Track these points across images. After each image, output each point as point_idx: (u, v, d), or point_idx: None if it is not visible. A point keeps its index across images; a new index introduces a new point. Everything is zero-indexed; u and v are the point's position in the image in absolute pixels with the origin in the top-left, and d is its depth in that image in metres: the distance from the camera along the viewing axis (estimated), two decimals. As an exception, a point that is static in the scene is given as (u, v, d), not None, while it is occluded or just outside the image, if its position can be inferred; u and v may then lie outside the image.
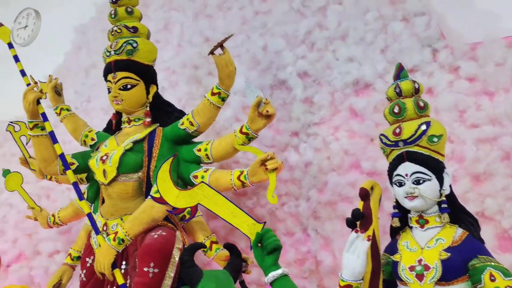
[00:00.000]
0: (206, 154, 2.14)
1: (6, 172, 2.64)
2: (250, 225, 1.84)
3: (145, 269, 1.89)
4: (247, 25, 2.73)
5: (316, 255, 2.26)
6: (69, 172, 2.16)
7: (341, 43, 2.41)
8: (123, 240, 1.95)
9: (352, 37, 2.37)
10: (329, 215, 2.29)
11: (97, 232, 2.07)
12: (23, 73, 2.30)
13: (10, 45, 2.34)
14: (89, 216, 2.10)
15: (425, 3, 2.27)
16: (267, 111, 1.94)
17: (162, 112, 2.33)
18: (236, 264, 1.99)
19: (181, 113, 2.33)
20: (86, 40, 3.54)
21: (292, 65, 2.51)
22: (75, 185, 2.15)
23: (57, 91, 2.57)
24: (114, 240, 1.95)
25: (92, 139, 2.45)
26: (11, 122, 2.63)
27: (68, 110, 2.56)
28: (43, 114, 2.23)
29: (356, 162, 2.27)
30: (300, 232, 2.35)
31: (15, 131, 2.63)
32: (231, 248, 2.01)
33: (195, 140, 2.25)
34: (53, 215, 2.59)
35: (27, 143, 2.63)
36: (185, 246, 2.01)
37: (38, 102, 2.21)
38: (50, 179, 2.63)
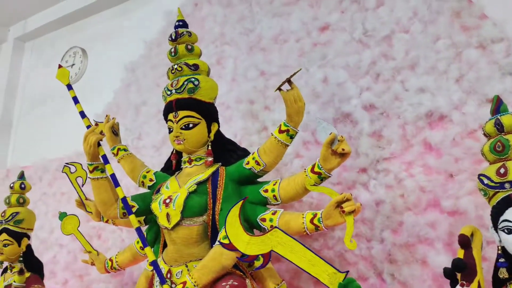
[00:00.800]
0: (274, 195, 2.02)
1: (63, 216, 2.57)
2: (330, 274, 1.69)
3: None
4: (305, 57, 2.64)
5: (394, 304, 2.08)
6: (132, 217, 2.06)
7: (410, 73, 2.27)
8: (191, 294, 1.83)
9: (423, 66, 2.23)
10: (406, 259, 2.11)
11: (163, 281, 1.95)
12: (82, 114, 2.25)
13: (69, 87, 2.30)
14: (154, 264, 1.98)
15: (501, 28, 2.12)
16: (343, 149, 1.81)
17: (224, 150, 2.23)
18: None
19: (245, 152, 2.23)
20: (136, 78, 3.52)
21: (357, 97, 2.38)
22: (139, 230, 2.05)
23: (115, 131, 2.51)
24: (182, 296, 1.83)
25: (151, 180, 2.37)
26: (67, 164, 2.58)
27: (125, 150, 2.49)
28: (104, 157, 2.16)
29: (435, 201, 2.09)
30: (374, 277, 2.18)
31: (71, 173, 2.57)
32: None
33: (260, 179, 2.14)
34: (111, 260, 2.50)
35: (83, 185, 2.57)
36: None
37: (98, 144, 2.15)
38: (106, 221, 2.56)
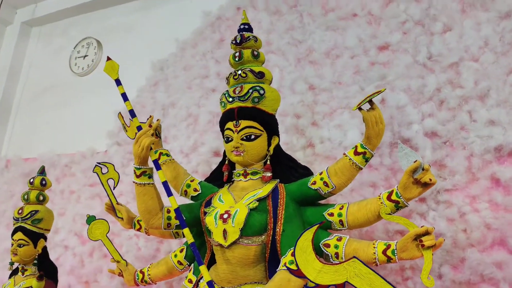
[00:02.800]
0: (340, 220, 1.89)
1: (91, 219, 2.37)
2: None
3: None
4: (360, 75, 2.53)
5: None
6: (186, 230, 1.89)
7: (479, 104, 2.19)
8: (256, 319, 1.68)
9: (494, 98, 2.16)
10: (467, 298, 2.02)
11: (218, 301, 1.79)
12: (132, 113, 2.07)
13: (118, 82, 2.11)
14: (211, 285, 1.82)
15: None
16: (430, 180, 1.70)
17: (284, 166, 2.09)
18: None
19: (306, 170, 2.10)
20: (165, 77, 3.34)
21: (418, 123, 2.29)
22: (194, 246, 1.88)
23: (158, 134, 2.34)
24: (247, 319, 1.68)
25: (195, 190, 2.21)
26: (99, 163, 2.39)
27: (167, 155, 2.32)
28: (155, 161, 1.99)
29: (502, 239, 2.00)
30: (431, 314, 2.07)
31: (102, 173, 2.38)
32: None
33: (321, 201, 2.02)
34: (142, 272, 2.30)
35: (114, 188, 2.38)
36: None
37: (150, 148, 1.98)
38: (139, 229, 2.37)
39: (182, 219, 1.92)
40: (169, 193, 1.95)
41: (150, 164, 2.01)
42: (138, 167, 1.98)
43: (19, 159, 3.94)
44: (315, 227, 1.68)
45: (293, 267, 1.76)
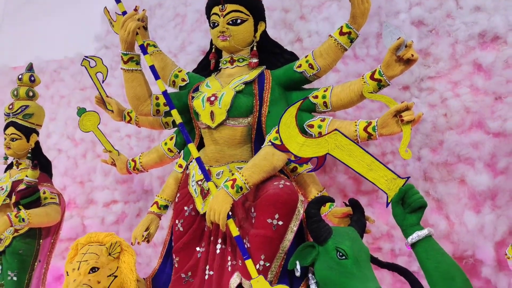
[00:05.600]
0: (324, 102, 1.94)
1: (82, 111, 2.41)
2: (389, 180, 1.66)
3: (269, 220, 1.71)
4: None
5: (427, 219, 2.10)
6: (174, 112, 1.94)
7: (466, -10, 2.18)
8: (241, 188, 1.76)
9: (480, -16, 2.15)
10: (442, 177, 2.13)
11: (208, 178, 1.87)
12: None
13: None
14: (199, 161, 1.89)
15: None
16: (412, 55, 1.73)
17: (270, 53, 2.11)
18: (362, 223, 1.83)
19: (292, 55, 2.12)
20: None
21: (405, 12, 2.29)
22: (182, 126, 1.93)
23: (144, 27, 2.32)
24: (232, 187, 1.76)
25: (183, 80, 2.24)
26: (86, 57, 2.38)
27: (155, 46, 2.32)
28: (142, 46, 2.00)
29: (480, 121, 2.08)
30: (407, 194, 2.18)
31: (91, 67, 2.38)
32: (356, 205, 1.85)
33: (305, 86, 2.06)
34: (134, 160, 2.38)
35: (103, 81, 2.40)
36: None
37: (136, 33, 1.98)
38: (129, 121, 2.41)
39: (170, 101, 1.96)
40: (157, 77, 1.97)
41: (138, 51, 2.02)
42: (125, 52, 1.99)
43: (8, 68, 3.91)
44: (298, 103, 1.73)
45: (277, 142, 1.83)
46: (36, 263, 2.50)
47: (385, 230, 2.22)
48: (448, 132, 2.13)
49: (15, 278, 2.43)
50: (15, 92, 2.59)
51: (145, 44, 2.25)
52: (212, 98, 1.95)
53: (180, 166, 2.19)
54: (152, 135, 2.95)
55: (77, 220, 3.15)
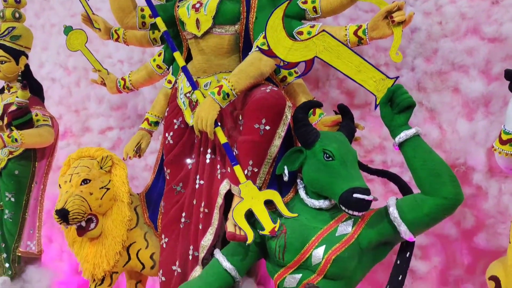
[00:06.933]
0: (314, 7, 1.87)
1: (68, 30, 2.35)
2: (378, 80, 1.62)
3: (256, 125, 1.70)
4: None
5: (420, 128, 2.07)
6: (158, 19, 1.89)
7: None
8: (228, 95, 1.74)
9: None
10: (436, 86, 2.09)
11: (195, 87, 1.85)
12: None
13: None
14: (185, 69, 1.86)
15: None
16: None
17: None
18: (351, 127, 1.81)
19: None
20: None
21: None
22: (167, 35, 1.89)
23: None
24: (218, 94, 1.73)
25: (170, -7, 2.17)
26: (71, -26, 2.31)
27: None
28: (123, -47, 1.92)
29: (475, 27, 2.01)
30: (400, 105, 2.15)
31: None
32: (345, 111, 1.82)
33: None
34: (123, 79, 2.35)
35: (89, -1, 2.33)
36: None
37: None
38: (116, 39, 2.36)
39: (153, 9, 1.91)
40: (140, -15, 1.91)
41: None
42: (106, -39, 1.92)
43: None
44: (285, 4, 1.67)
45: (265, 47, 1.78)
46: (33, 185, 2.54)
47: (377, 142, 2.20)
48: (442, 40, 2.06)
49: (13, 199, 2.47)
50: (1, 14, 2.53)
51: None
52: (198, 5, 1.89)
53: (169, 82, 2.17)
54: (145, 59, 2.89)
55: (74, 148, 3.16)
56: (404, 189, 1.72)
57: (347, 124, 1.80)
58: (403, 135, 1.55)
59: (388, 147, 2.18)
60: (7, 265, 2.46)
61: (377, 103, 1.61)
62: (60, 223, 1.88)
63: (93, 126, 3.13)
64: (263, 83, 1.84)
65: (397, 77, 1.60)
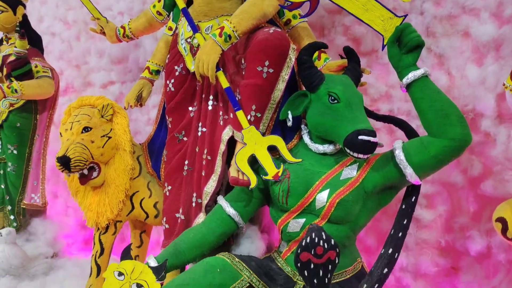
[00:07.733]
0: None
1: (65, -24, 2.28)
2: (386, 20, 1.56)
3: (259, 68, 1.65)
4: None
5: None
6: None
7: None
8: (230, 37, 1.68)
9: None
10: (446, 31, 2.01)
11: (196, 30, 1.79)
12: None
13: None
14: (184, 11, 1.80)
15: None
16: None
17: None
18: (356, 71, 1.76)
19: None
20: None
21: None
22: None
23: None
24: (220, 36, 1.68)
25: None
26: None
27: None
28: None
29: (489, -32, 1.92)
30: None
31: None
32: (351, 53, 1.77)
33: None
34: (123, 27, 2.29)
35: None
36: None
37: None
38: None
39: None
40: None
41: None
42: None
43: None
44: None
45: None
46: (35, 137, 2.52)
47: (383, 91, 2.15)
48: (453, -18, 1.98)
49: (15, 152, 2.46)
50: None
51: None
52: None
53: (170, 28, 2.10)
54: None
55: (76, 104, 3.13)
56: (411, 134, 1.68)
57: (353, 68, 1.74)
58: (411, 76, 1.50)
59: (394, 96, 2.13)
60: (12, 217, 2.47)
61: (385, 43, 1.56)
62: (62, 171, 1.87)
63: (94, 81, 3.09)
64: (266, 25, 1.78)
65: (405, 15, 1.53)
